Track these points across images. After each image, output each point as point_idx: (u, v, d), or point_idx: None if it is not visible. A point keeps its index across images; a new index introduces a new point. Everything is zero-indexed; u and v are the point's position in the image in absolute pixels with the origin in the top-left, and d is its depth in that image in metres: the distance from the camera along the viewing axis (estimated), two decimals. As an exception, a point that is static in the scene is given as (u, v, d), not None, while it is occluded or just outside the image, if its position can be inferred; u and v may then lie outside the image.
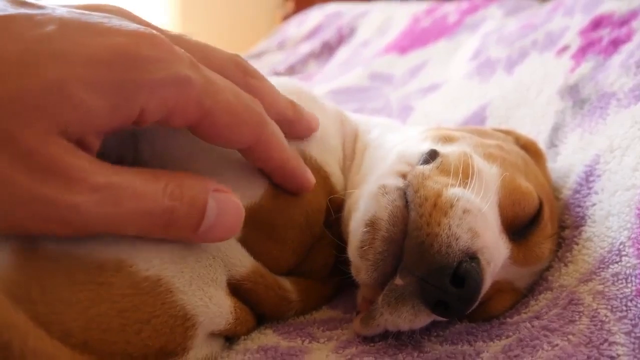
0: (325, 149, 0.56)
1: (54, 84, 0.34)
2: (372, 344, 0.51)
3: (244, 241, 0.49)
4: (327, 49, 1.85)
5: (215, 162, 0.49)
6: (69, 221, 0.35)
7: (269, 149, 0.46)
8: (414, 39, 1.45)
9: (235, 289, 0.49)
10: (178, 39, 0.43)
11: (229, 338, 0.53)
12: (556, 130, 0.75)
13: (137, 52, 0.37)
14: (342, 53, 1.76)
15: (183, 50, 0.40)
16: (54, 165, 0.33)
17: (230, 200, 0.42)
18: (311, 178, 0.50)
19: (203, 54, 0.44)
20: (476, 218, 0.45)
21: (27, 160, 0.33)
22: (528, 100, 0.87)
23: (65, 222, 0.35)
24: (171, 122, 0.40)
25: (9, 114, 0.33)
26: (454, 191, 0.46)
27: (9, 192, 0.33)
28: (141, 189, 0.37)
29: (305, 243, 0.52)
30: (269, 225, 0.49)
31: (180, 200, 0.39)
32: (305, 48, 1.92)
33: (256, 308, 0.52)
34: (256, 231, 0.49)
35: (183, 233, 0.41)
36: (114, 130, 0.38)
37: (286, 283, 0.53)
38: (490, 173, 0.51)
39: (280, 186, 0.49)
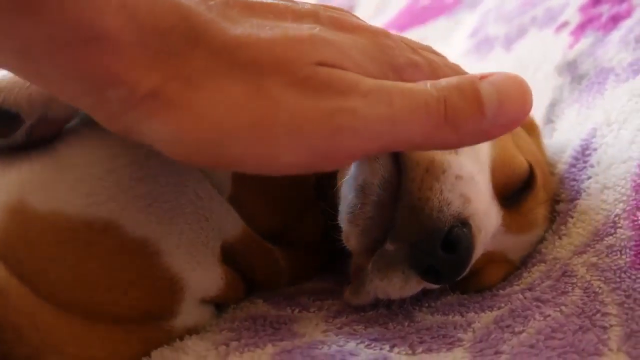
0: None
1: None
2: (362, 313, 0.51)
3: (235, 200, 0.48)
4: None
5: None
6: (353, 129, 0.33)
7: None
8: (413, 17, 1.43)
9: (227, 253, 0.48)
10: None
11: (219, 306, 0.52)
12: (553, 106, 0.74)
13: (384, 44, 0.38)
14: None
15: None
16: (327, 83, 0.33)
17: (505, 77, 0.37)
18: None
19: (406, 42, 0.43)
20: (468, 184, 0.45)
21: (305, 84, 0.33)
22: (526, 77, 0.83)
23: (351, 131, 0.33)
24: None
25: (285, 48, 0.33)
26: (446, 157, 0.45)
27: (294, 118, 0.32)
28: (407, 86, 0.35)
29: (297, 203, 0.51)
30: (260, 182, 0.48)
31: (447, 90, 0.36)
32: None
33: (247, 273, 0.52)
34: (248, 188, 0.48)
35: (470, 123, 0.36)
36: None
37: (276, 250, 0.52)
38: None
39: None
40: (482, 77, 0.36)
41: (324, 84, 0.33)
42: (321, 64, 0.34)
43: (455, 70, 0.42)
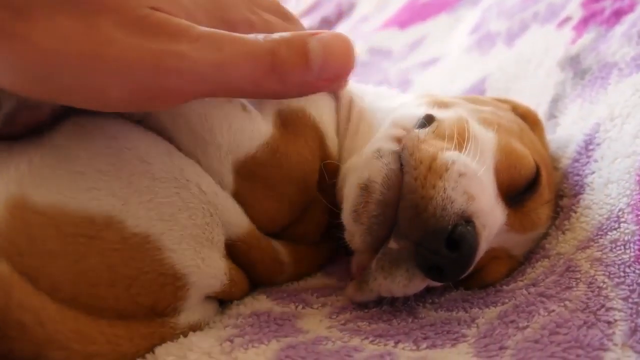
0: (321, 110, 0.55)
1: None
2: (366, 310, 0.51)
3: (239, 196, 0.48)
4: (326, 25, 1.83)
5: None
6: (179, 71, 0.36)
7: None
8: (414, 14, 1.43)
9: (230, 250, 0.48)
10: None
11: (222, 303, 0.52)
12: (556, 101, 0.74)
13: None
14: (341, 29, 1.74)
15: None
16: (159, 26, 0.35)
17: (332, 35, 0.42)
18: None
19: (253, 2, 0.47)
20: (472, 181, 0.44)
21: (137, 25, 0.35)
22: (528, 72, 0.86)
23: (177, 72, 0.36)
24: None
25: None
26: (449, 154, 0.45)
27: (122, 54, 0.34)
28: (237, 36, 0.38)
29: (300, 202, 0.51)
30: (265, 179, 0.48)
31: (277, 43, 0.39)
32: (304, 23, 1.89)
33: (249, 270, 0.51)
34: (252, 184, 0.48)
35: (296, 74, 0.40)
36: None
37: (278, 246, 0.52)
38: (486, 137, 0.50)
39: None
40: (312, 35, 0.40)
41: (155, 27, 0.35)
42: (155, 9, 0.36)
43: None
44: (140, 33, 0.35)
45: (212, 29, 0.37)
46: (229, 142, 0.46)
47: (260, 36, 0.39)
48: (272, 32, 0.41)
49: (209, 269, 0.46)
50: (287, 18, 0.51)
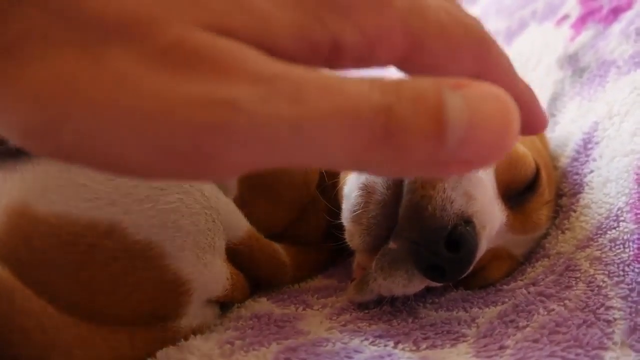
0: None
1: None
2: (366, 311, 0.51)
3: (240, 201, 0.48)
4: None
5: None
6: (230, 130, 0.22)
7: (497, 78, 0.31)
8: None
9: (231, 253, 0.48)
10: None
11: (224, 305, 0.52)
12: (555, 99, 0.74)
13: None
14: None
15: None
16: (199, 56, 0.23)
17: (485, 91, 0.25)
18: (547, 115, 0.37)
19: None
20: (471, 182, 0.44)
21: (165, 56, 0.23)
22: (527, 70, 0.86)
23: (226, 132, 0.22)
24: (375, 57, 0.28)
25: (141, 1, 0.23)
26: None
27: (140, 102, 0.22)
28: (334, 79, 0.24)
29: (300, 203, 0.51)
30: (266, 181, 0.48)
31: (396, 95, 0.24)
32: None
33: (251, 273, 0.52)
34: (254, 187, 0.48)
35: (420, 148, 0.24)
36: (290, 51, 0.25)
37: (279, 248, 0.52)
38: None
39: None
40: (457, 86, 0.25)
41: (193, 59, 0.23)
42: (199, 25, 0.23)
43: (460, 22, 0.29)
44: (170, 69, 0.22)
45: (290, 67, 0.23)
46: None
47: (377, 82, 0.24)
48: (424, 14, 0.27)
49: (211, 274, 0.46)
50: None
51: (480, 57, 0.30)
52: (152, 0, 0.23)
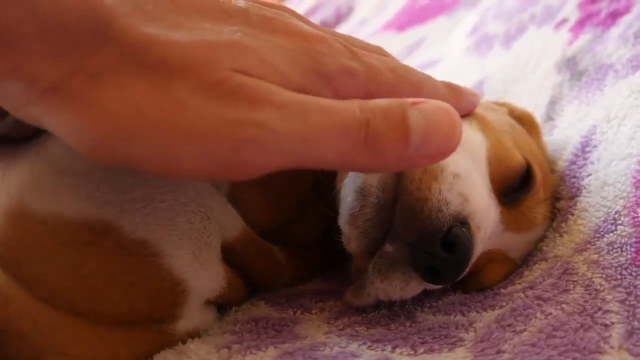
0: None
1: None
2: (364, 315, 0.51)
3: (232, 198, 0.48)
4: (325, 28, 1.83)
5: None
6: (260, 142, 0.31)
7: (427, 97, 0.41)
8: (412, 16, 1.43)
9: (226, 252, 0.48)
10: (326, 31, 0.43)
11: (221, 309, 0.53)
12: (553, 103, 0.74)
13: (315, 49, 0.36)
14: (341, 31, 1.74)
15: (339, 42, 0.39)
16: (238, 91, 0.32)
17: (436, 107, 0.36)
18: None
19: (351, 43, 0.42)
20: (466, 182, 0.45)
21: (215, 90, 0.31)
22: (525, 74, 0.86)
23: (257, 144, 0.31)
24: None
25: (197, 52, 0.32)
26: None
27: (197, 124, 0.31)
28: (327, 103, 0.34)
29: (295, 199, 0.51)
30: (258, 179, 0.48)
31: (372, 113, 0.34)
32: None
33: (247, 273, 0.52)
34: (245, 186, 0.48)
35: (392, 149, 0.35)
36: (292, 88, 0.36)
37: (275, 249, 0.52)
38: (477, 138, 0.51)
39: None
40: (414, 103, 0.35)
41: (234, 93, 0.32)
42: (236, 71, 0.32)
43: (401, 77, 0.41)
44: (218, 99, 0.31)
45: (298, 95, 0.33)
46: None
47: (355, 104, 0.34)
48: (376, 77, 0.39)
49: (207, 272, 0.46)
50: (387, 58, 0.45)
51: (414, 93, 0.42)
52: (205, 49, 0.32)
